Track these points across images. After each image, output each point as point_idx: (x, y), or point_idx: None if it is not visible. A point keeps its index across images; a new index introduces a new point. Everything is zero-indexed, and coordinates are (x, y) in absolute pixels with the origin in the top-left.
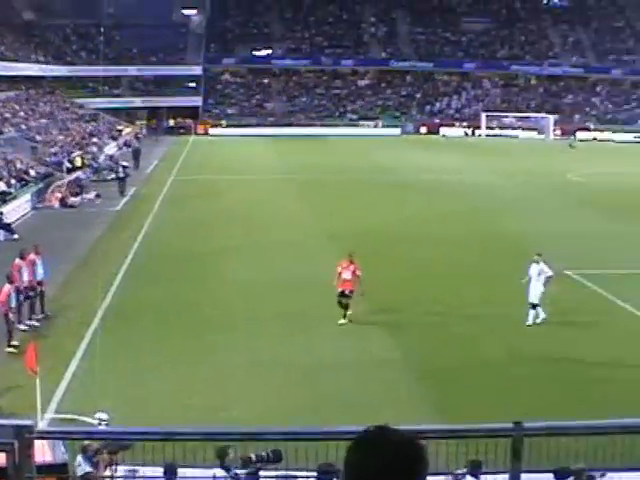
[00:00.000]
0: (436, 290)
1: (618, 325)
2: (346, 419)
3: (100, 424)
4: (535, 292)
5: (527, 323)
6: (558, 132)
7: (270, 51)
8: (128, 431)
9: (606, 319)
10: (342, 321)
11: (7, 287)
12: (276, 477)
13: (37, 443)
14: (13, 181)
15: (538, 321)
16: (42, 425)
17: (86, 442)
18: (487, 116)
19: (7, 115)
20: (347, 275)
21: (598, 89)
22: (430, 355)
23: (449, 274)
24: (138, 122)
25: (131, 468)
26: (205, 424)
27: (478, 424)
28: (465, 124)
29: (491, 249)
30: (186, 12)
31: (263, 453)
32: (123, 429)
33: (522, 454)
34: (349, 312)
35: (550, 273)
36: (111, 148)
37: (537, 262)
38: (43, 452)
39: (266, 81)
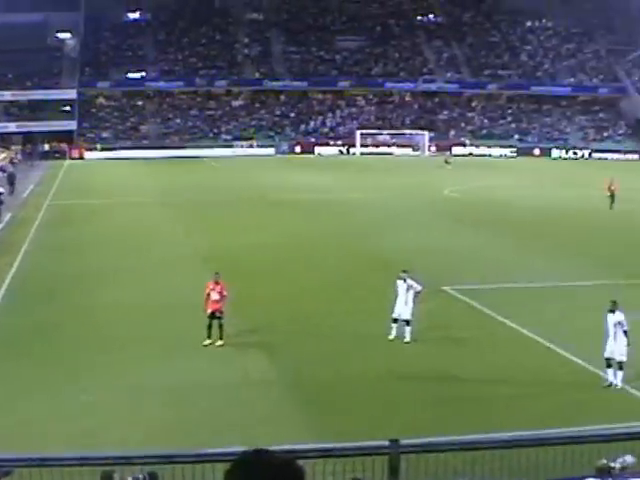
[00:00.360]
0: (310, 308)
1: (497, 340)
2: (222, 441)
3: None
4: (406, 309)
5: (405, 340)
6: (433, 148)
7: (144, 73)
8: (6, 458)
9: (484, 334)
10: (219, 342)
11: None
12: None
13: None
14: None
15: (391, 337)
16: None
17: None
18: (362, 134)
19: None
20: (215, 296)
21: (473, 104)
22: (305, 374)
23: (323, 292)
24: (13, 147)
25: None
26: (80, 449)
27: (355, 442)
28: (340, 142)
29: (365, 266)
30: (60, 36)
31: (140, 476)
32: (1, 456)
33: (399, 471)
34: (211, 342)
35: (419, 288)
36: None
37: (403, 279)
38: None
39: (140, 103)
